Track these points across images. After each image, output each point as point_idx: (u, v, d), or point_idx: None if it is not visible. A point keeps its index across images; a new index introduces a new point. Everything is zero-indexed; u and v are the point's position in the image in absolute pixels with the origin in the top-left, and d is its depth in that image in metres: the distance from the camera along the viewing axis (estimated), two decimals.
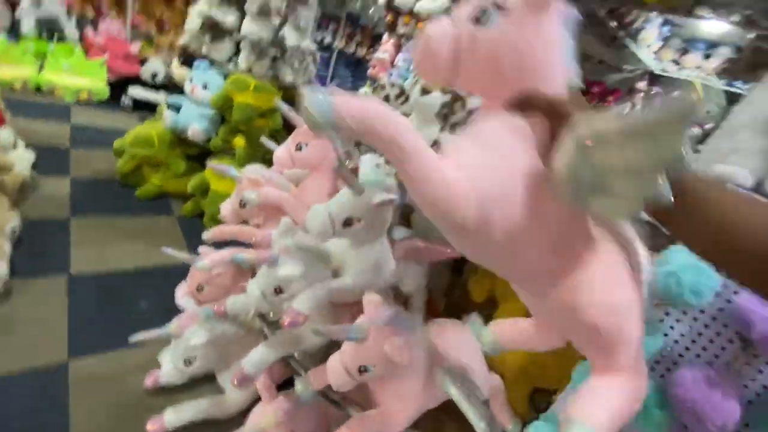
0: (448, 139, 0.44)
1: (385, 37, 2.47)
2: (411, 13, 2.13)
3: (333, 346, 0.79)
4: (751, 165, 0.64)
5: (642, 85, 3.10)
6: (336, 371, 0.70)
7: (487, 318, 1.04)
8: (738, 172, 0.63)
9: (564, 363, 0.76)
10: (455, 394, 0.73)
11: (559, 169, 0.34)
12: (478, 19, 0.39)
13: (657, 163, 0.30)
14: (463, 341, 0.94)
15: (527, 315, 1.03)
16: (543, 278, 0.44)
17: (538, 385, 0.95)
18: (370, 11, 4.11)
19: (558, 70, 0.41)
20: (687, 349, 0.59)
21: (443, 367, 0.79)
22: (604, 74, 3.41)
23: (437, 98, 0.92)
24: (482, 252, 0.44)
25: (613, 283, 0.44)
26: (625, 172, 0.31)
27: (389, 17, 2.28)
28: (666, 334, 0.61)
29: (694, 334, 0.58)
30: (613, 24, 2.48)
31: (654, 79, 3.00)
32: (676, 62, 2.79)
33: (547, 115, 0.39)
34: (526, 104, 0.40)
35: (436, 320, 0.97)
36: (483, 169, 0.38)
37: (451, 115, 0.95)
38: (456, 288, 1.14)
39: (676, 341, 0.60)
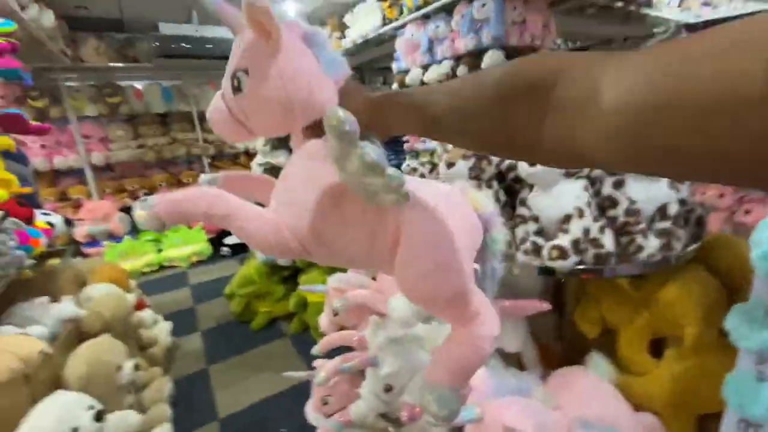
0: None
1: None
2: (422, 84, 2.32)
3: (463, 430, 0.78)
4: None
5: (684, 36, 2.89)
6: None
7: (610, 351, 0.95)
8: None
9: (719, 381, 0.66)
10: None
11: (343, 182, 0.39)
12: (235, 87, 0.43)
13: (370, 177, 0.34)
14: (592, 386, 0.86)
15: (649, 335, 0.93)
16: (385, 267, 0.45)
17: (700, 411, 0.81)
18: None
19: (319, 85, 0.44)
20: None
21: (579, 422, 0.73)
22: (638, 45, 3.25)
23: (463, 166, 0.99)
24: (335, 260, 0.47)
25: (422, 252, 0.42)
26: (379, 188, 0.35)
27: None
28: None
29: None
30: (620, 4, 2.43)
31: (691, 30, 2.80)
32: (707, 4, 2.59)
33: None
34: (312, 131, 0.45)
35: (556, 371, 0.92)
36: (287, 202, 0.43)
37: (483, 174, 0.99)
38: (564, 329, 1.08)
39: None
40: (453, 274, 0.42)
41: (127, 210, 3.62)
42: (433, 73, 2.12)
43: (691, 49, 0.19)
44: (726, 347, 0.71)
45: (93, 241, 3.32)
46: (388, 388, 0.84)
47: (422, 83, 2.27)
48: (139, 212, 0.40)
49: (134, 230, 3.56)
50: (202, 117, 4.14)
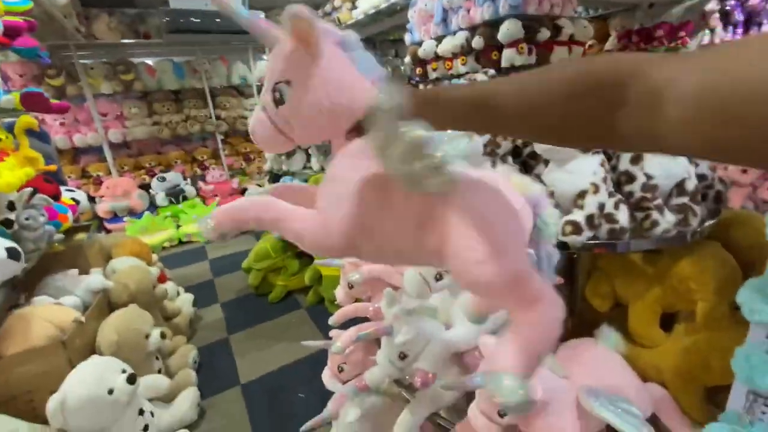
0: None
1: (422, 87, 2.63)
2: (436, 57, 2.26)
3: (473, 395, 0.82)
4: None
5: (712, 4, 2.73)
6: (478, 420, 0.73)
7: (621, 324, 0.97)
8: None
9: (728, 355, 0.67)
10: (609, 417, 0.70)
11: (387, 171, 0.40)
12: (278, 99, 0.45)
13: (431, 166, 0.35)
14: (602, 358, 0.89)
15: (661, 309, 0.94)
16: (434, 259, 0.45)
17: (707, 383, 0.83)
18: (402, 69, 4.41)
19: (360, 88, 0.45)
20: None
21: (587, 391, 0.76)
22: (663, 13, 3.09)
23: (478, 142, 0.98)
24: (383, 255, 0.48)
25: (476, 236, 0.41)
26: (423, 170, 0.36)
27: (419, 70, 2.45)
28: None
29: None
30: None
31: None
32: None
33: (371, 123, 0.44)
34: (355, 133, 0.46)
35: (566, 343, 0.94)
36: (333, 199, 0.44)
37: (498, 149, 0.99)
38: (575, 303, 1.09)
39: None
40: (509, 259, 0.42)
41: (145, 187, 3.71)
42: (448, 45, 2.06)
43: (740, 55, 0.23)
44: (737, 322, 0.71)
45: (114, 216, 3.43)
46: (403, 356, 0.88)
47: (436, 56, 2.22)
48: (202, 228, 0.45)
49: (153, 206, 3.66)
50: (213, 93, 4.14)
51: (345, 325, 1.28)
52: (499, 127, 0.40)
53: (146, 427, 1.29)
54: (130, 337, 1.43)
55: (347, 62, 0.45)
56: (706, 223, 0.90)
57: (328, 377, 1.44)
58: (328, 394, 1.32)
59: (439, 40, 2.17)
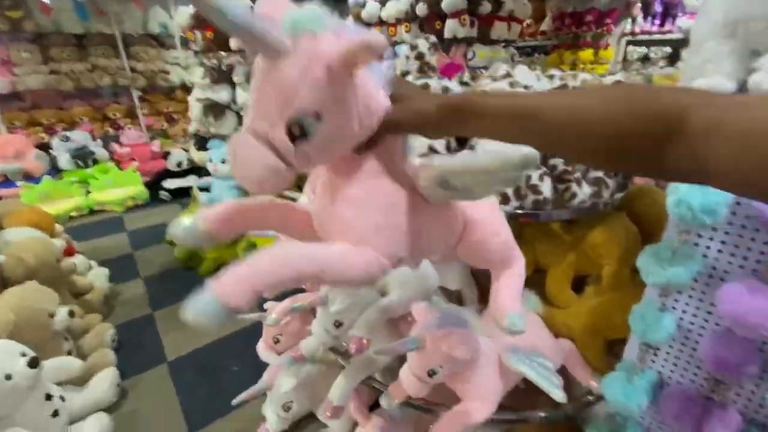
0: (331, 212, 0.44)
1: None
2: (380, 22, 2.19)
3: (405, 358, 0.85)
4: (727, 70, 0.63)
5: None
6: (408, 381, 0.76)
7: (540, 288, 1.06)
8: (718, 81, 0.62)
9: (628, 312, 0.76)
10: (525, 370, 0.76)
11: (424, 190, 0.44)
12: (297, 135, 0.36)
13: (502, 182, 0.39)
14: None
15: (574, 275, 1.04)
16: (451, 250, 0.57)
17: (609, 337, 0.94)
18: None
19: (381, 101, 0.42)
20: (729, 263, 0.59)
21: (508, 348, 0.82)
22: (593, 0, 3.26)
23: None
24: (409, 262, 0.52)
25: (491, 221, 0.56)
26: (476, 186, 0.40)
27: None
28: (705, 256, 0.61)
29: (731, 246, 0.58)
30: None
31: None
32: None
33: (388, 134, 0.43)
34: (371, 144, 0.43)
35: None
36: (377, 227, 0.42)
37: None
38: None
39: (717, 259, 0.60)
40: (511, 237, 0.60)
41: (44, 147, 3.22)
42: (392, 9, 2.00)
43: None
44: (636, 284, 0.81)
45: (5, 181, 2.95)
46: (338, 324, 0.88)
47: (380, 20, 2.14)
48: (198, 316, 0.33)
49: (55, 170, 3.20)
50: (127, 41, 3.64)
51: (280, 297, 1.25)
52: (543, 143, 0.38)
53: (56, 413, 1.18)
54: (30, 316, 1.27)
55: (367, 73, 0.40)
56: (616, 196, 0.99)
57: (262, 349, 1.41)
58: (262, 367, 1.29)
59: (383, 2, 2.09)
